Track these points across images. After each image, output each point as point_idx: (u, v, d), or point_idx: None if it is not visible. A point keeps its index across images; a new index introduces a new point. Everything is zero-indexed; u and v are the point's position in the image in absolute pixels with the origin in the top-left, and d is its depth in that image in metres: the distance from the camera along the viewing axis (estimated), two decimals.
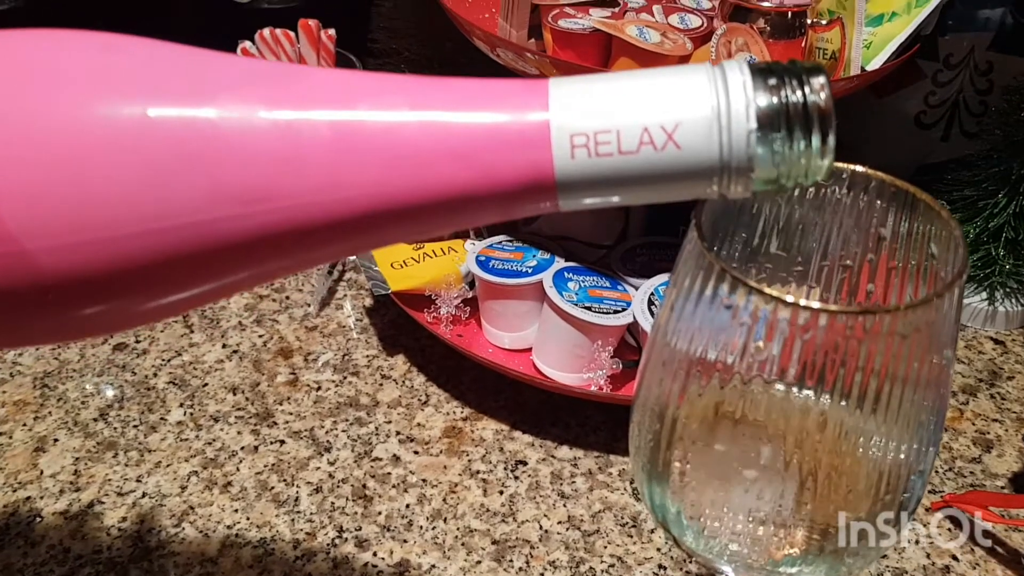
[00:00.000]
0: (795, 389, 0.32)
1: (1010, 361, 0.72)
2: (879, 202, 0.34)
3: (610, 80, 0.27)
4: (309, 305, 0.74)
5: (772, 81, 0.26)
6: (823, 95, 0.26)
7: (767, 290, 0.28)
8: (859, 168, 0.34)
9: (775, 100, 0.26)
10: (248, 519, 0.57)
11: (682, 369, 0.33)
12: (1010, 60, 0.79)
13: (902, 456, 0.32)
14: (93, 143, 0.27)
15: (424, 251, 0.69)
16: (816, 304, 0.28)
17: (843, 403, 0.32)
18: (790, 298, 0.28)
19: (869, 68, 0.63)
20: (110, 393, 0.66)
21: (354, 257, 0.71)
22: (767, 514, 0.34)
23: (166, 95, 0.28)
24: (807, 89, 0.26)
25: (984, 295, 0.75)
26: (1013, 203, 0.70)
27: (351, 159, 0.28)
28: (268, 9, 0.92)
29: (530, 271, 0.65)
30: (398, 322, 0.73)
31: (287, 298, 0.76)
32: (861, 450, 0.32)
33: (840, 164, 0.34)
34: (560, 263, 0.66)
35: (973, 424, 0.67)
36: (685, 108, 0.26)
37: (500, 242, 0.69)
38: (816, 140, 0.27)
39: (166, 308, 0.31)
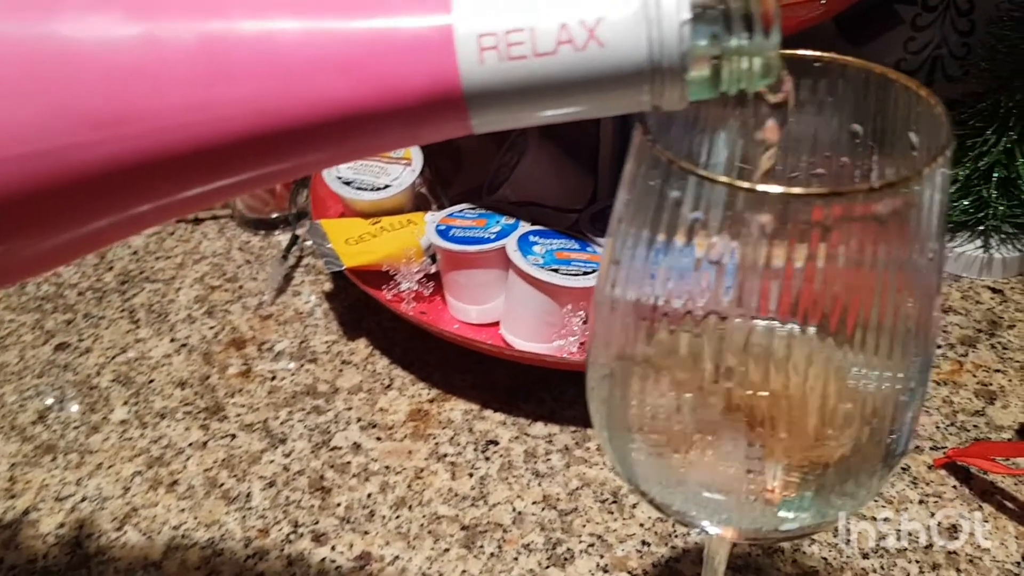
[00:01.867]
0: (760, 321, 0.28)
1: (1010, 309, 0.68)
2: (846, 93, 0.30)
3: None
4: (264, 293, 0.70)
5: None
6: None
7: (720, 177, 0.24)
8: (814, 54, 0.29)
9: None
10: (196, 518, 0.53)
11: (630, 315, 0.29)
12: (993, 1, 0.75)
13: (887, 375, 0.27)
14: None
15: (381, 225, 0.65)
16: (778, 188, 0.23)
17: (812, 329, 0.27)
18: (744, 184, 0.23)
19: None
20: (50, 394, 0.62)
21: (306, 236, 0.67)
22: (740, 459, 0.29)
23: (4, 7, 0.24)
24: None
25: (979, 242, 0.70)
26: (1003, 139, 0.66)
27: (221, 73, 0.23)
28: None
29: (493, 237, 0.61)
30: (359, 305, 0.69)
31: (240, 287, 0.71)
32: (836, 378, 0.28)
33: (798, 52, 0.29)
34: (525, 227, 0.61)
35: (974, 376, 0.62)
36: (607, 0, 0.23)
37: (462, 211, 0.65)
38: (758, 33, 0.23)
39: (51, 253, 0.27)
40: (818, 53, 0.29)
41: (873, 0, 0.80)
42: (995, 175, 0.67)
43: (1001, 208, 0.67)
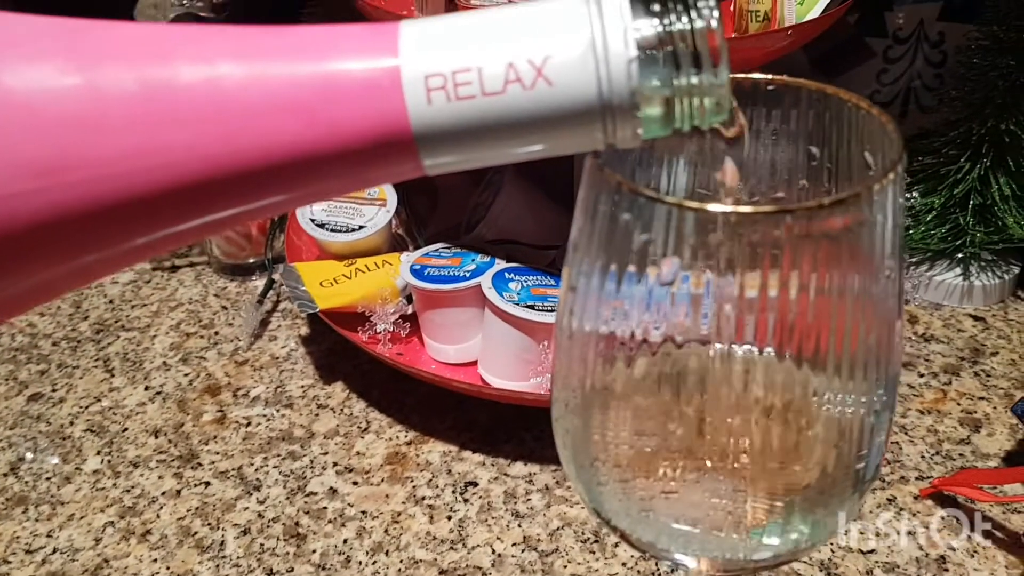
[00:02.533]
0: (718, 345, 0.27)
1: (992, 336, 0.68)
2: (800, 115, 0.29)
3: (470, 14, 0.23)
4: (239, 339, 0.69)
5: (654, 6, 0.23)
6: (712, 19, 0.23)
7: (668, 198, 0.23)
8: (766, 77, 0.29)
9: (657, 25, 0.23)
10: (168, 568, 0.52)
11: (589, 343, 0.28)
12: (962, 29, 0.76)
13: (850, 398, 0.27)
14: None
15: (356, 267, 0.64)
16: (726, 208, 0.23)
17: (770, 351, 0.27)
18: (693, 204, 0.23)
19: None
20: (23, 446, 0.61)
21: (281, 280, 0.66)
22: (707, 488, 0.29)
23: None
24: (693, 13, 0.23)
25: (958, 270, 0.70)
26: (977, 166, 0.66)
27: (164, 118, 0.23)
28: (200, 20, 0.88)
29: (468, 275, 0.60)
30: (336, 349, 0.68)
31: (216, 333, 0.70)
32: (799, 401, 0.27)
33: (750, 75, 0.29)
34: (501, 264, 0.61)
35: (959, 404, 0.62)
36: (555, 38, 0.22)
37: (437, 250, 0.64)
38: (707, 71, 0.23)
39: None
40: (769, 76, 0.29)
41: (845, 34, 0.81)
42: (971, 202, 0.67)
43: (979, 235, 0.67)
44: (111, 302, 0.75)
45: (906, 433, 0.59)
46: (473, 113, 0.23)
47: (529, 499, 0.55)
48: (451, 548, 0.52)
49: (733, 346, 0.26)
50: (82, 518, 0.55)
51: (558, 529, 0.53)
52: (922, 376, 0.64)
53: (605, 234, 0.26)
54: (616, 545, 0.52)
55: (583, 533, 0.53)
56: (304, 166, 0.24)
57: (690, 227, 0.24)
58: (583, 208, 0.27)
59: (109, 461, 0.59)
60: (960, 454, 0.58)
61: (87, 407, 0.64)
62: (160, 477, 0.58)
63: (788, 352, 0.26)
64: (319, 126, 0.23)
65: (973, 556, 0.51)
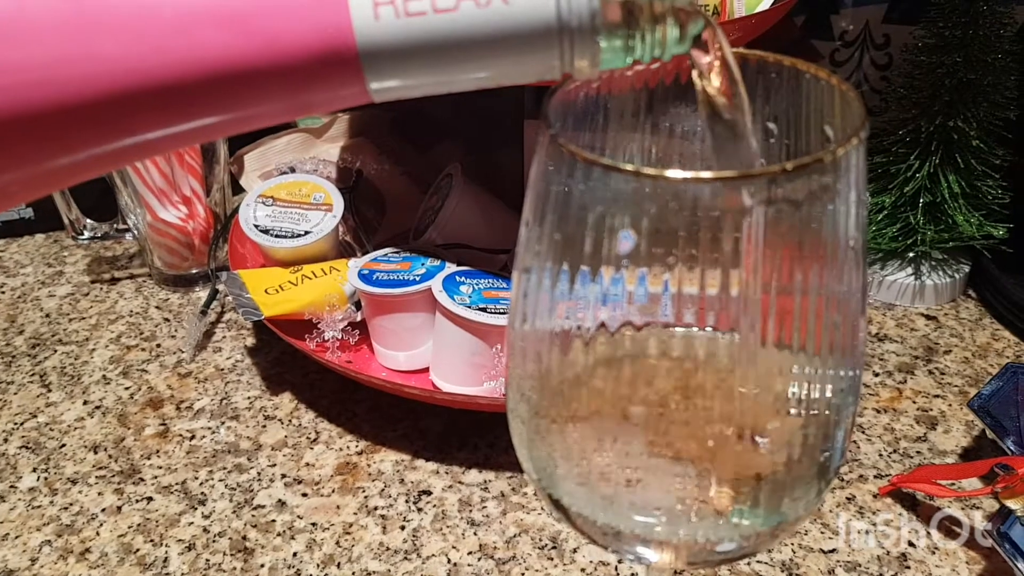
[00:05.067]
0: (676, 329, 0.26)
1: (945, 335, 0.68)
2: (755, 89, 0.29)
3: None
4: (183, 351, 0.67)
5: None
6: None
7: (625, 166, 0.22)
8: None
9: None
10: None
11: (544, 331, 0.27)
12: (906, 31, 0.76)
13: (816, 374, 0.26)
14: None
15: (302, 273, 0.63)
16: (686, 174, 0.22)
17: (730, 330, 0.26)
18: (651, 171, 0.22)
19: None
20: None
21: (225, 289, 0.64)
22: (669, 476, 0.27)
23: None
24: None
25: (910, 270, 0.70)
26: (926, 164, 0.66)
27: (89, 26, 0.21)
28: None
29: (418, 279, 0.59)
30: (283, 359, 0.66)
31: (158, 346, 0.68)
32: (760, 382, 0.26)
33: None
34: (452, 268, 0.60)
35: (914, 402, 0.61)
36: None
37: (386, 254, 0.63)
38: None
39: None
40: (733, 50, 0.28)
41: (791, 37, 0.81)
42: (921, 200, 0.67)
43: (929, 233, 0.67)
44: (47, 316, 0.72)
45: (863, 432, 0.59)
46: (423, 31, 0.22)
47: (485, 507, 0.54)
48: (405, 559, 0.51)
49: (694, 328, 0.25)
50: (17, 537, 0.52)
51: (515, 536, 0.52)
52: (877, 375, 0.64)
53: (559, 210, 0.25)
54: (575, 551, 0.51)
55: (541, 540, 0.51)
56: (240, 82, 0.22)
57: (648, 196, 0.22)
58: (534, 185, 0.26)
59: (46, 478, 0.57)
60: (917, 451, 0.57)
61: (22, 423, 0.61)
62: (100, 493, 0.55)
63: (751, 330, 0.25)
64: (255, 38, 0.22)
65: (934, 553, 0.50)
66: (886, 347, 0.66)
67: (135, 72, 0.21)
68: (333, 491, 0.55)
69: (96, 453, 0.58)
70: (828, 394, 0.27)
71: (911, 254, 0.70)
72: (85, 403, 0.63)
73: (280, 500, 0.54)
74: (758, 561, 0.50)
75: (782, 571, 0.49)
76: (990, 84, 0.64)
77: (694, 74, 0.25)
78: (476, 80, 0.23)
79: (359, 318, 0.62)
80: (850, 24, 0.80)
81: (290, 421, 0.61)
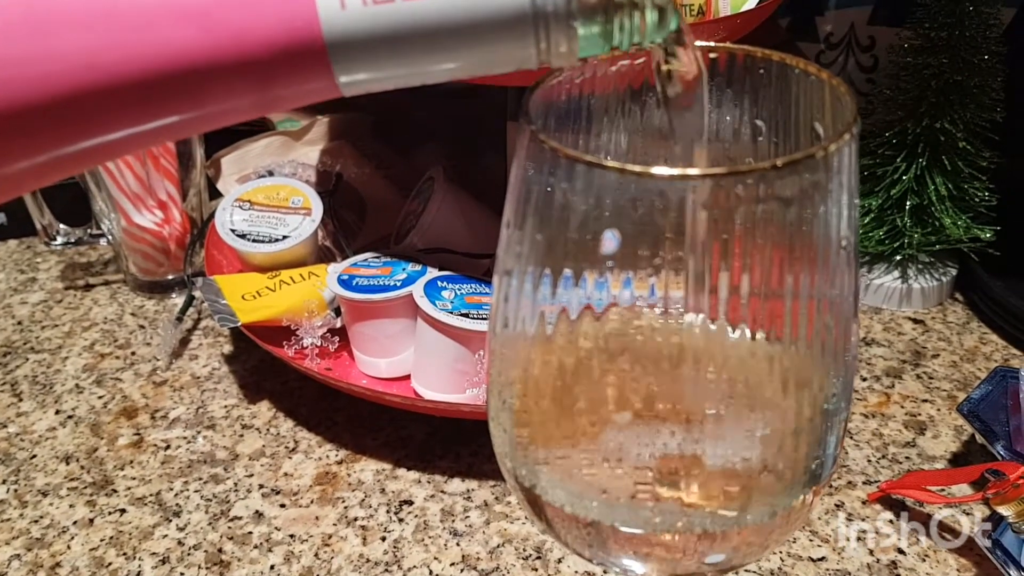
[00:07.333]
0: (668, 321, 0.25)
1: (933, 339, 0.67)
2: (744, 85, 0.28)
3: None
4: (158, 359, 0.65)
5: None
6: None
7: (609, 163, 0.21)
8: (707, 44, 0.27)
9: None
10: None
11: (528, 324, 0.26)
12: (892, 32, 0.76)
13: (805, 374, 0.25)
14: None
15: (280, 279, 0.61)
16: (672, 171, 0.21)
17: (721, 324, 0.25)
18: (636, 167, 0.21)
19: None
20: None
21: (201, 295, 0.63)
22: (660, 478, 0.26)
23: None
24: None
25: (897, 273, 0.70)
26: (913, 166, 0.65)
27: (48, 23, 0.20)
28: None
29: (399, 284, 0.57)
30: (261, 367, 0.65)
31: (132, 354, 0.67)
32: (750, 377, 0.25)
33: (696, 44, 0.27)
34: (433, 273, 0.58)
35: (902, 407, 0.61)
36: None
37: (366, 260, 0.61)
38: None
39: None
40: (711, 43, 0.27)
41: (777, 39, 0.80)
42: (908, 203, 0.66)
43: (916, 236, 0.66)
44: (19, 323, 0.70)
45: (851, 437, 0.58)
46: (392, 18, 0.21)
47: (467, 516, 0.53)
48: (386, 570, 0.49)
49: (683, 321, 0.24)
50: None
51: (499, 546, 0.50)
52: (865, 380, 0.63)
53: (541, 208, 0.24)
54: (559, 561, 0.49)
55: (524, 549, 0.50)
56: (205, 78, 0.21)
57: (633, 194, 0.21)
58: (516, 184, 0.25)
59: (16, 490, 0.55)
60: (906, 457, 0.57)
61: None
62: (71, 506, 0.54)
63: (741, 327, 0.24)
64: (219, 32, 0.20)
65: (924, 560, 0.49)
66: (873, 351, 0.66)
67: (95, 69, 0.20)
68: (312, 502, 0.54)
69: (68, 464, 0.57)
70: (820, 400, 0.26)
71: (898, 257, 0.69)
72: (57, 412, 0.61)
73: (257, 511, 0.53)
74: (746, 571, 0.49)
75: None
76: (976, 85, 0.63)
77: (655, 51, 0.24)
78: (448, 71, 0.22)
79: (339, 324, 0.60)
80: (835, 26, 0.79)
81: (268, 430, 0.59)
